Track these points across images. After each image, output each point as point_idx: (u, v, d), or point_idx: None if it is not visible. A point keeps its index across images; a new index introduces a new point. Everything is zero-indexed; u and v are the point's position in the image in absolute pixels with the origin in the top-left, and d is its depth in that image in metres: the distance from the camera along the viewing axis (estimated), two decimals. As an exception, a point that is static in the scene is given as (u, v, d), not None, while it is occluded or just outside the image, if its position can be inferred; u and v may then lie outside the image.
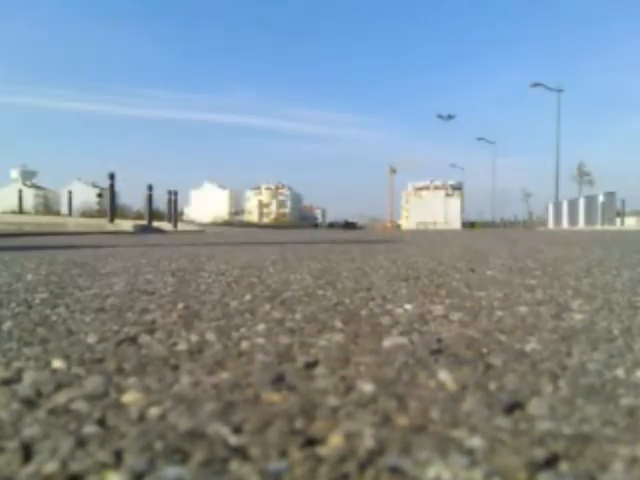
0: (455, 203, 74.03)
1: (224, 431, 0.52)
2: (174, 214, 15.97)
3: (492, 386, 0.66)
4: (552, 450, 0.48)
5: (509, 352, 0.83)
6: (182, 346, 0.87)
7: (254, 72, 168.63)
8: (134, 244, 4.97)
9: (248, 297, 1.42)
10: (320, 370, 0.73)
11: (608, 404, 0.60)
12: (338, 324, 1.05)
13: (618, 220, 22.60)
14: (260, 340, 0.91)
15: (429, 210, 72.67)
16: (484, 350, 0.84)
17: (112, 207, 12.10)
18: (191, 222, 29.32)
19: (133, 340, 0.91)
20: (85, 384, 0.67)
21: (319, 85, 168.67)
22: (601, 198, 23.56)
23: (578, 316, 1.14)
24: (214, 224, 32.15)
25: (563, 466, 0.45)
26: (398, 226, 68.74)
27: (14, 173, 78.72)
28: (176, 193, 16.27)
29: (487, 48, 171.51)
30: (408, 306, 1.27)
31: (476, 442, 0.49)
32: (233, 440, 0.50)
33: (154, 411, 0.57)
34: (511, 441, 0.50)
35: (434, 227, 59.44)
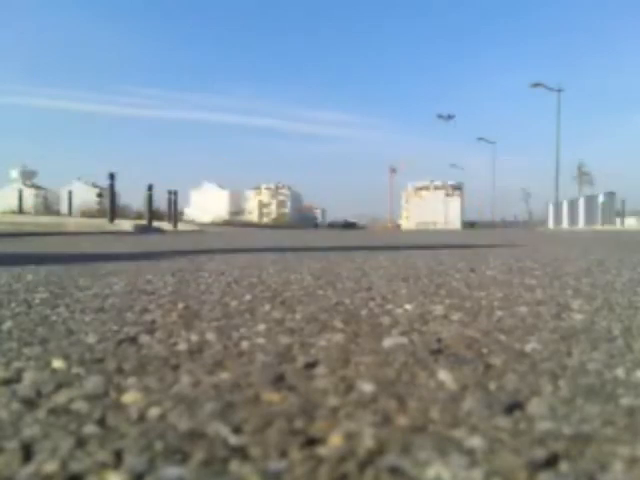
0: (455, 203, 73.98)
1: (224, 431, 0.52)
2: (174, 214, 15.98)
3: (492, 386, 0.66)
4: (552, 450, 0.48)
5: (509, 352, 0.83)
6: (182, 346, 0.87)
7: (254, 71, 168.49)
8: (134, 244, 4.96)
9: (248, 297, 1.42)
10: (320, 370, 0.73)
11: (608, 404, 0.60)
12: (338, 324, 1.05)
13: (618, 220, 22.61)
14: (260, 340, 0.91)
15: (429, 210, 72.67)
16: (484, 350, 0.84)
17: (112, 207, 12.10)
18: (191, 222, 29.32)
19: (133, 340, 0.91)
20: (85, 384, 0.67)
21: (319, 85, 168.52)
22: (601, 198, 23.57)
23: (578, 316, 1.14)
24: (214, 224, 32.16)
25: (563, 466, 0.45)
26: (398, 226, 68.74)
27: (14, 173, 78.64)
28: (176, 193, 16.27)
29: (487, 47, 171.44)
30: (408, 306, 1.27)
31: (476, 442, 0.49)
32: (233, 440, 0.50)
33: (154, 411, 0.57)
34: (511, 441, 0.50)
35: (434, 227, 59.40)
